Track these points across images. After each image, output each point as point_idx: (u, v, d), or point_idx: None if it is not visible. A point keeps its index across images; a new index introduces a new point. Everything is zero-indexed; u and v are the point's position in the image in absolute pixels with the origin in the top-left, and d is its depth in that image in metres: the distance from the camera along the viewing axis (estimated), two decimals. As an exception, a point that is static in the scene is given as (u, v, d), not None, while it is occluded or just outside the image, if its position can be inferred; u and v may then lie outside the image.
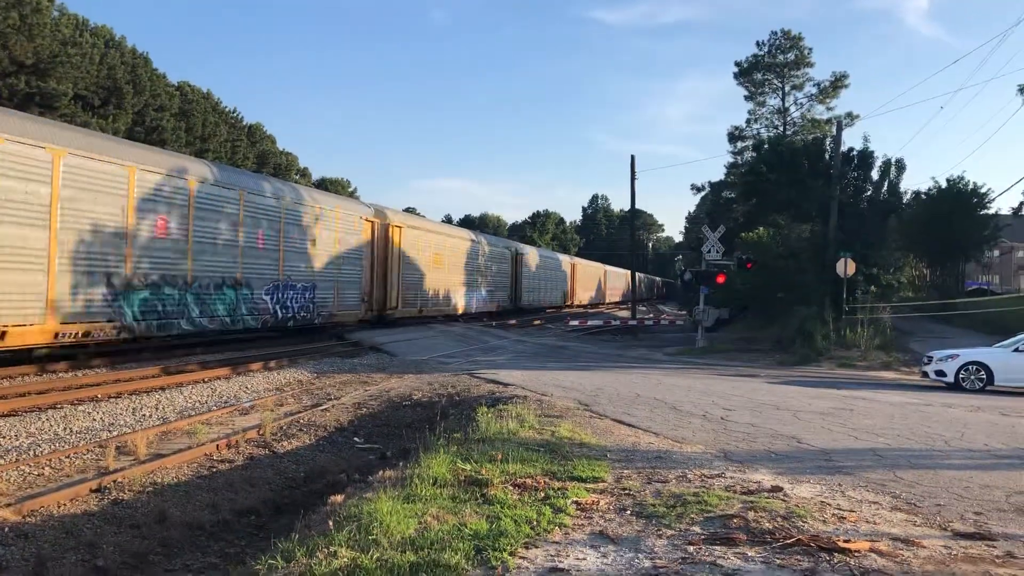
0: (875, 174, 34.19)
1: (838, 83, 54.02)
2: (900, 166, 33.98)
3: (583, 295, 70.49)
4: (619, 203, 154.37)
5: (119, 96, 45.14)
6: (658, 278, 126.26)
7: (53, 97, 39.41)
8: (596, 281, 78.17)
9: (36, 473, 9.43)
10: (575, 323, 41.54)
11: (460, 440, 9.40)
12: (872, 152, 33.98)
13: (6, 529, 7.49)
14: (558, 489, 6.99)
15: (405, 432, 12.90)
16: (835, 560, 5.18)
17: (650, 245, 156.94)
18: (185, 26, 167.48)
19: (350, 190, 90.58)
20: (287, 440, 12.27)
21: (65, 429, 11.67)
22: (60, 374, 16.23)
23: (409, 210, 74.24)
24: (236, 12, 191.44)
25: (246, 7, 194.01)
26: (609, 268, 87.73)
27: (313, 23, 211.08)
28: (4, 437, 10.89)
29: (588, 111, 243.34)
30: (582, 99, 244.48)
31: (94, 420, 12.40)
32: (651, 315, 54.41)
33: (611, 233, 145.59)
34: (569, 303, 64.91)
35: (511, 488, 6.98)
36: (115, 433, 11.62)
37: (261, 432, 12.25)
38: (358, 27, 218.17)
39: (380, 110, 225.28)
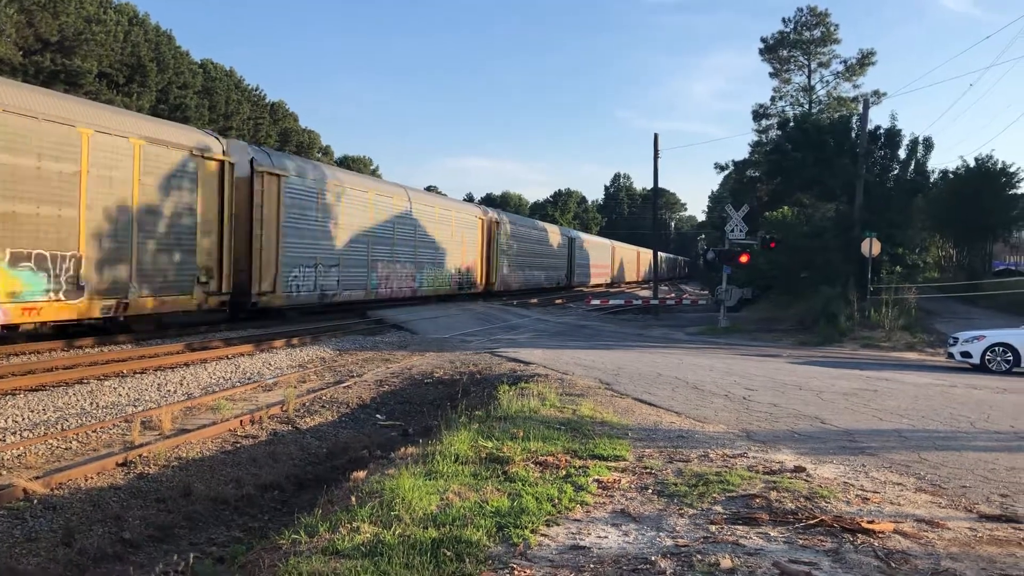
0: (902, 153, 33.83)
1: (865, 60, 53.33)
2: (928, 145, 33.56)
3: (604, 275, 70.33)
4: (641, 182, 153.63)
5: (143, 74, 45.31)
6: (680, 257, 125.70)
7: (78, 75, 39.65)
8: (618, 260, 77.94)
9: (64, 447, 9.56)
10: (596, 302, 41.43)
11: (482, 418, 9.42)
12: (899, 130, 33.64)
13: (35, 501, 7.61)
14: (579, 467, 6.99)
15: (427, 409, 12.97)
16: (859, 541, 5.15)
17: (672, 224, 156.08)
18: (207, 2, 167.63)
19: (372, 168, 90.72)
20: (310, 416, 12.36)
21: (92, 404, 11.82)
22: (87, 349, 16.42)
23: (430, 189, 74.37)
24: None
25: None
26: (630, 247, 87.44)
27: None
28: (33, 411, 11.04)
29: (612, 89, 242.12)
30: (607, 77, 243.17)
31: (120, 395, 12.54)
32: (673, 295, 54.23)
33: (633, 212, 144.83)
34: (591, 283, 64.79)
35: (533, 466, 6.99)
36: (140, 408, 11.75)
37: (284, 408, 12.34)
38: (381, 3, 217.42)
39: (404, 88, 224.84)
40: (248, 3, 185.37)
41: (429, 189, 56.56)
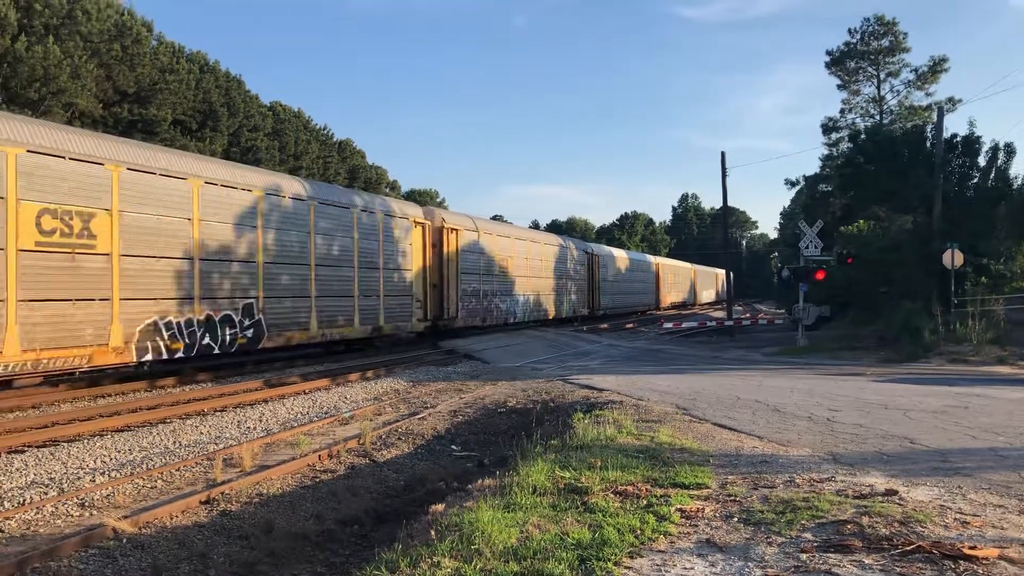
0: (982, 160, 32.69)
1: (937, 67, 51.88)
2: (1009, 150, 32.38)
3: (674, 296, 69.51)
4: (710, 201, 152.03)
5: (215, 119, 46.76)
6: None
7: (154, 123, 41.12)
8: (688, 282, 76.99)
9: (149, 486, 9.77)
10: (668, 325, 40.99)
11: (557, 447, 9.31)
12: (978, 137, 32.53)
13: (124, 540, 7.76)
14: (661, 496, 6.83)
15: (501, 439, 12.91)
16: (961, 568, 4.89)
17: (743, 243, 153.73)
18: (275, 47, 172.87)
19: (438, 200, 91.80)
20: (386, 449, 12.41)
21: (174, 443, 12.08)
22: (168, 389, 16.85)
23: (496, 217, 74.81)
24: (323, 31, 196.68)
25: (333, 25, 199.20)
26: (701, 268, 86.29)
27: (397, 36, 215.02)
28: (119, 451, 11.35)
29: (675, 109, 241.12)
30: (669, 97, 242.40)
31: (201, 433, 12.80)
32: (747, 314, 53.26)
33: (702, 232, 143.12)
34: (660, 305, 64.10)
35: (612, 496, 6.86)
36: (221, 446, 11.96)
37: (361, 441, 12.41)
38: (441, 37, 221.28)
39: (466, 119, 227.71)
40: (310, 45, 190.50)
41: (495, 218, 56.33)
